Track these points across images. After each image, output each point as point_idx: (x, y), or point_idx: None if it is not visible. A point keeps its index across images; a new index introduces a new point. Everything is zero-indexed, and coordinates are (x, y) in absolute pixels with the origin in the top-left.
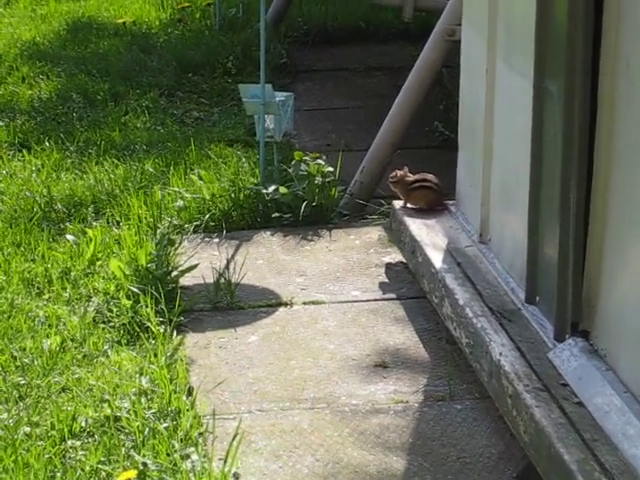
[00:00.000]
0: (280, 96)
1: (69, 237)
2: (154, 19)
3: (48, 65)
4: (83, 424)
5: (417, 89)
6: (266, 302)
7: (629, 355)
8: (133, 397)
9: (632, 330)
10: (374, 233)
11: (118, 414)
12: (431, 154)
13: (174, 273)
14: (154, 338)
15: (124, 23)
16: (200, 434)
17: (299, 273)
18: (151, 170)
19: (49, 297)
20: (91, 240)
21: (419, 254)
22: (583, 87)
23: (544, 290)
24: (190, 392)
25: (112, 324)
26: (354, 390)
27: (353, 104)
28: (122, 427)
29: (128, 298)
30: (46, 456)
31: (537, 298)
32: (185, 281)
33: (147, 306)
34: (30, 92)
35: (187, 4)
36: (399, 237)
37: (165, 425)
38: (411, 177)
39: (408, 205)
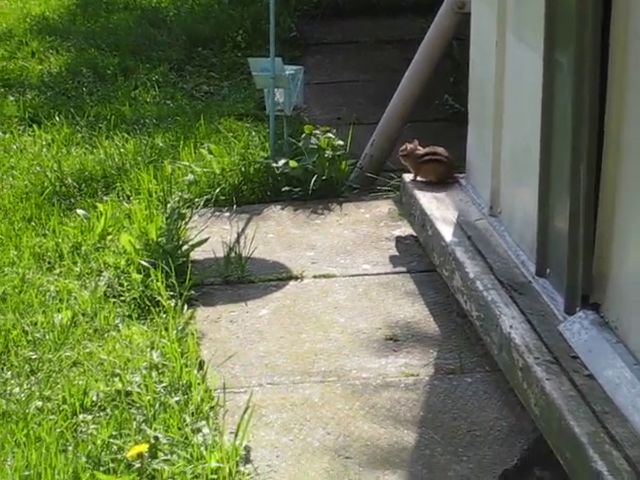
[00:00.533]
0: (290, 69)
1: (80, 212)
2: None
3: (58, 40)
4: (94, 398)
5: (427, 62)
6: (277, 276)
7: None
8: (144, 371)
9: None
10: (384, 206)
11: (129, 388)
12: (441, 127)
13: (184, 247)
14: (165, 312)
15: None
16: (211, 408)
17: (309, 247)
18: (161, 144)
19: (60, 272)
20: (102, 214)
21: (429, 227)
22: (593, 59)
23: (554, 263)
24: (201, 366)
25: (123, 298)
26: (365, 363)
27: (363, 77)
28: (133, 401)
29: (139, 272)
30: (58, 430)
31: (547, 271)
32: (196, 255)
33: (158, 280)
34: (40, 67)
35: None
36: (409, 210)
37: (176, 399)
38: (421, 150)
39: (418, 178)
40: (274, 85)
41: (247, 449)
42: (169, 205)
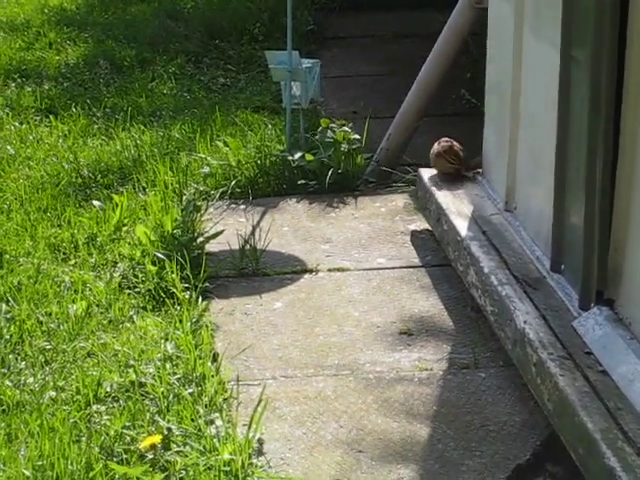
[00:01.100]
0: (307, 63)
1: (95, 203)
2: None
3: (75, 31)
4: (108, 389)
5: (444, 56)
6: (291, 269)
7: None
8: (158, 363)
9: None
10: (400, 200)
11: (143, 379)
12: (457, 121)
13: (200, 239)
14: (179, 304)
15: None
16: (224, 400)
17: (324, 240)
18: (177, 136)
19: (75, 262)
20: (117, 206)
21: (444, 222)
22: (610, 56)
23: (569, 258)
24: (215, 358)
25: (138, 290)
26: (378, 357)
27: (380, 71)
28: (147, 392)
29: (154, 264)
30: (71, 420)
31: (562, 266)
32: (211, 247)
33: (173, 272)
34: (57, 58)
35: None
36: (425, 204)
37: (190, 391)
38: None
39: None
40: (291, 78)
41: (260, 441)
42: (185, 197)
